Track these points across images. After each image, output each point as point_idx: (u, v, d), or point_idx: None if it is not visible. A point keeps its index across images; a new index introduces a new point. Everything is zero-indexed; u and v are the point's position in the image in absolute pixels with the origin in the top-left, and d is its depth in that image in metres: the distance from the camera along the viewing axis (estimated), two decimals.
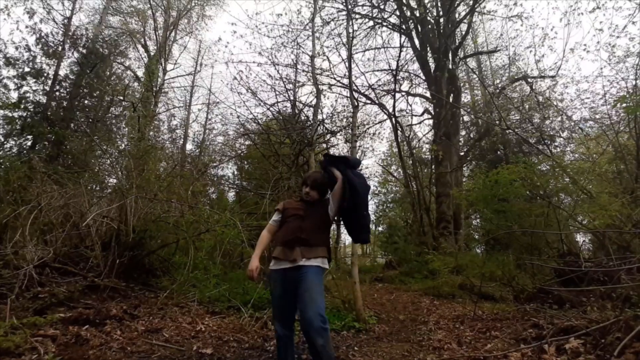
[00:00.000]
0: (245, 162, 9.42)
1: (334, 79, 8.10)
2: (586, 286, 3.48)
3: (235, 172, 10.17)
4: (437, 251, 6.82)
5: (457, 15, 9.25)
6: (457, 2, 8.20)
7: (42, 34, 8.73)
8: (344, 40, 7.94)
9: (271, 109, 7.30)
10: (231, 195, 9.43)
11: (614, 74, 7.58)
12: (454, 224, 8.26)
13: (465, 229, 8.97)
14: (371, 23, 9.65)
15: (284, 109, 7.59)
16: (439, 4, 9.12)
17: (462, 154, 10.49)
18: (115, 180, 5.87)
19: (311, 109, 6.77)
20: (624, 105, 3.86)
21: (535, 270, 4.64)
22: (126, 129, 9.62)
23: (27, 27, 8.56)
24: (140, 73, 12.44)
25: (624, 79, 7.10)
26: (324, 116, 7.29)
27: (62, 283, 3.33)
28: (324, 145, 7.86)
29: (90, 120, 9.04)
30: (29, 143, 8.12)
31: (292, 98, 7.44)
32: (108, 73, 10.12)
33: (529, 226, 5.06)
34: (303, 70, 7.56)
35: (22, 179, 4.55)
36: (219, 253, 4.17)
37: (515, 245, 5.72)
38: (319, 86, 6.55)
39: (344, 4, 7.82)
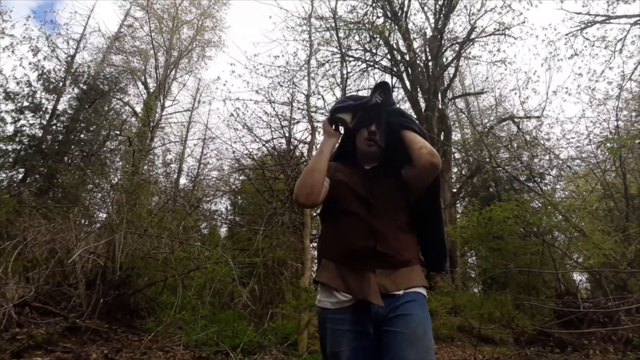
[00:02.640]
0: (239, 197, 9.38)
1: None
2: (586, 328, 3.40)
3: (229, 207, 10.08)
4: (433, 291, 6.67)
5: (444, 60, 9.78)
6: (444, 48, 8.71)
7: (45, 71, 8.97)
8: (338, 80, 8.30)
9: (266, 145, 7.41)
10: (223, 230, 9.28)
11: (596, 115, 7.96)
12: (450, 262, 8.15)
13: (461, 267, 8.84)
14: (364, 65, 10.13)
15: (279, 145, 7.71)
16: (428, 49, 9.67)
17: (454, 190, 10.61)
18: (105, 215, 5.77)
19: (306, 145, 6.89)
20: (608, 145, 4.01)
21: (534, 310, 4.53)
22: (120, 162, 9.62)
23: (30, 63, 8.81)
24: (138, 109, 12.69)
25: (605, 120, 7.44)
26: None
27: (42, 324, 3.15)
28: None
29: (85, 154, 9.05)
30: (20, 176, 8.04)
31: (287, 134, 7.60)
32: (106, 108, 10.30)
33: (525, 264, 5.01)
34: (298, 108, 7.80)
35: (10, 212, 4.45)
36: (209, 292, 4.02)
37: (512, 284, 5.63)
38: (314, 123, 6.72)
39: (338, 48, 8.26)
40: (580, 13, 7.93)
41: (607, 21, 7.80)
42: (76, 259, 3.73)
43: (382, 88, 1.32)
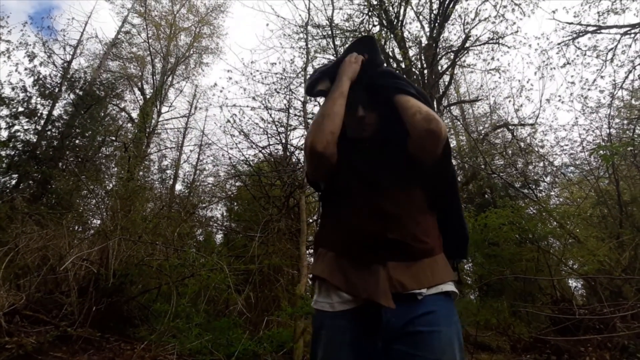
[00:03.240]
0: (235, 204, 9.35)
1: None
2: (582, 335, 3.40)
3: (225, 214, 10.03)
4: None
5: (440, 68, 9.90)
6: (440, 56, 8.82)
7: (41, 76, 8.94)
8: None
9: (263, 151, 7.41)
10: (219, 237, 9.22)
11: (589, 123, 8.07)
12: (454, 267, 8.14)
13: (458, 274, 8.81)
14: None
15: (276, 151, 7.71)
16: (423, 57, 9.79)
17: None
18: (99, 221, 5.71)
19: (302, 152, 6.90)
20: (601, 152, 4.06)
21: (531, 317, 4.53)
22: (115, 169, 9.57)
23: (26, 69, 8.78)
24: (134, 114, 12.67)
25: (598, 128, 7.54)
26: None
27: (32, 333, 3.09)
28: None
29: (80, 159, 8.99)
30: (14, 182, 7.96)
31: (283, 141, 7.61)
32: (102, 114, 10.27)
33: (521, 271, 5.02)
34: (295, 115, 7.82)
35: (2, 219, 4.39)
36: (204, 299, 3.97)
37: (508, 291, 5.63)
38: None
39: (335, 55, 8.33)
40: (572, 23, 8.09)
41: (598, 31, 7.96)
42: (69, 266, 3.68)
43: (365, 43, 1.08)
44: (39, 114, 8.72)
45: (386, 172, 0.97)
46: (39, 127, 8.66)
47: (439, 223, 1.02)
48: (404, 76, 1.11)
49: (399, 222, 0.90)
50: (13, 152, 8.10)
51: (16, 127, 8.34)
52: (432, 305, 0.84)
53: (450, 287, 0.91)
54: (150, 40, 13.14)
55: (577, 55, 8.17)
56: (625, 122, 7.81)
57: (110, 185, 8.15)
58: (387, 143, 1.03)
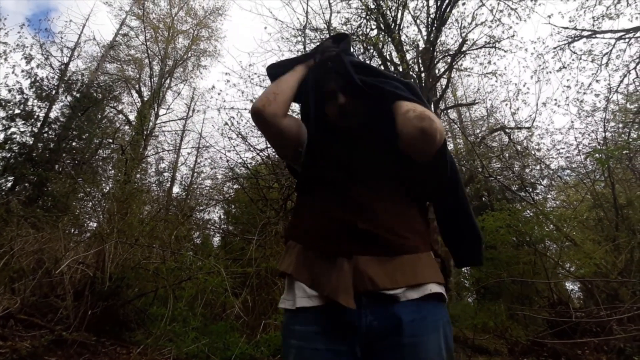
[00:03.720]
0: (233, 206, 9.33)
1: None
2: (579, 338, 3.40)
3: (222, 216, 10.01)
4: None
5: (437, 71, 9.95)
6: (437, 60, 8.87)
7: (38, 78, 8.92)
8: None
9: (261, 153, 7.41)
10: (216, 240, 9.19)
11: (585, 126, 8.12)
12: (444, 272, 8.15)
13: (455, 277, 8.85)
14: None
15: (273, 154, 7.71)
16: (420, 61, 9.85)
17: None
18: (95, 224, 5.68)
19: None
20: (597, 156, 4.10)
21: (528, 321, 4.54)
22: (112, 171, 9.54)
23: (23, 71, 8.76)
24: (132, 117, 12.65)
25: (593, 131, 7.60)
26: None
27: (26, 337, 3.06)
28: None
29: (76, 162, 8.95)
30: (9, 184, 7.90)
31: None
32: (100, 116, 10.25)
33: (518, 274, 5.03)
34: None
35: None
36: (200, 303, 3.95)
37: (505, 294, 5.64)
38: None
39: None
40: (567, 28, 8.17)
41: (593, 36, 8.04)
42: (64, 270, 3.65)
43: (337, 39, 1.04)
44: (35, 116, 8.69)
45: (367, 163, 0.90)
46: (35, 130, 8.62)
47: (449, 227, 0.97)
48: (390, 73, 1.05)
49: (373, 212, 0.82)
50: (9, 155, 8.05)
51: (12, 129, 8.31)
52: (417, 312, 0.76)
53: (437, 288, 0.81)
54: (148, 43, 13.14)
55: (573, 60, 8.24)
56: (621, 125, 7.87)
57: (107, 187, 8.11)
58: (374, 134, 0.96)
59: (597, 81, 8.02)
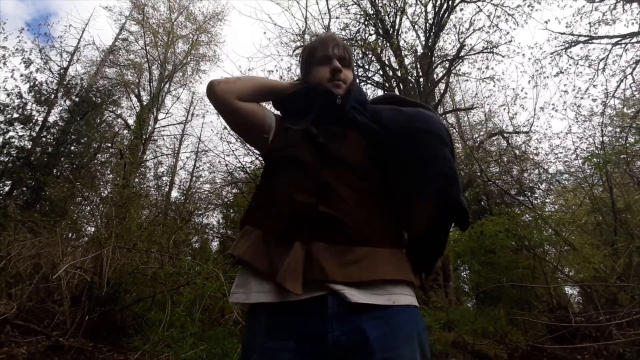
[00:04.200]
0: (232, 210, 9.31)
1: None
2: (579, 343, 3.39)
3: (221, 220, 9.99)
4: (427, 306, 6.63)
5: (435, 76, 10.02)
6: (435, 65, 8.93)
7: (36, 83, 8.93)
8: None
9: (260, 157, 7.42)
10: (215, 244, 9.16)
11: (582, 131, 8.19)
12: (444, 276, 8.15)
13: (454, 282, 8.83)
14: (357, 81, 10.30)
15: None
16: (419, 66, 9.91)
17: None
18: (93, 229, 5.66)
19: None
20: (594, 160, 4.12)
21: (527, 325, 4.52)
22: (111, 175, 9.52)
23: (22, 75, 8.77)
24: (131, 121, 12.66)
25: (591, 136, 7.64)
26: None
27: (23, 343, 3.03)
28: None
29: (75, 166, 8.94)
30: (7, 188, 7.88)
31: None
32: (98, 121, 10.25)
33: (517, 278, 5.03)
34: None
35: None
36: (199, 308, 3.93)
37: (505, 299, 5.63)
38: None
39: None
40: (564, 33, 8.25)
41: (590, 41, 8.12)
42: (62, 275, 3.63)
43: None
44: (34, 121, 8.69)
45: (347, 144, 0.85)
46: (33, 134, 8.62)
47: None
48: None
49: (340, 197, 0.75)
50: (7, 159, 8.04)
51: (10, 134, 8.30)
52: (387, 324, 0.70)
53: (401, 290, 0.75)
54: (147, 48, 13.20)
55: (570, 65, 8.32)
56: (618, 130, 7.93)
57: (105, 192, 8.09)
58: (357, 114, 0.92)
59: (594, 86, 8.08)
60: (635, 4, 7.64)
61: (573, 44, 8.29)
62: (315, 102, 0.93)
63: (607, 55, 7.93)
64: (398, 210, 0.85)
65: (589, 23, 7.94)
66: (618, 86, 7.75)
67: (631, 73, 7.68)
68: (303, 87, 1.00)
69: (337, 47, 0.99)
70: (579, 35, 8.16)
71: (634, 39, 7.69)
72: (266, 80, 0.99)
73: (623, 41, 7.80)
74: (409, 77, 9.80)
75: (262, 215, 0.81)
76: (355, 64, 9.73)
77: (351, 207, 0.75)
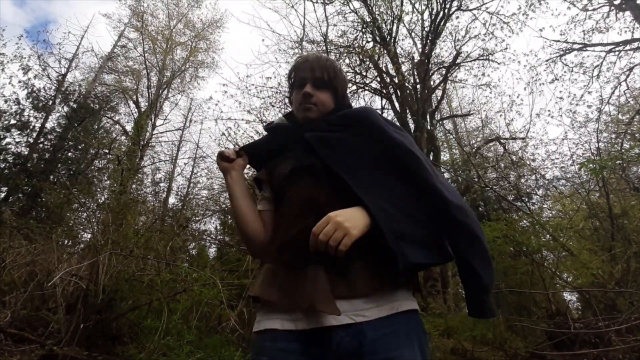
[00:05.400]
0: (229, 217, 9.27)
1: None
2: (578, 349, 3.38)
3: (218, 227, 9.94)
4: (426, 312, 6.59)
5: (432, 83, 10.10)
6: (432, 72, 9.01)
7: (35, 89, 8.93)
8: None
9: None
10: (212, 251, 9.11)
11: (578, 137, 8.25)
12: (442, 282, 8.11)
13: (453, 288, 8.80)
14: (354, 87, 10.37)
15: None
16: (416, 73, 9.99)
17: None
18: (89, 235, 5.62)
19: None
20: (590, 166, 4.15)
21: (526, 332, 4.50)
22: (108, 182, 9.48)
23: (20, 81, 8.78)
24: (129, 127, 12.65)
25: (587, 142, 7.70)
26: None
27: (16, 352, 2.98)
28: None
29: (72, 172, 8.90)
30: (3, 195, 7.82)
31: None
32: (96, 127, 10.24)
33: (516, 284, 5.02)
34: None
35: None
36: (195, 316, 3.89)
37: (504, 305, 5.61)
38: None
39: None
40: (558, 41, 8.37)
41: (584, 49, 8.24)
42: (57, 282, 3.59)
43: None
44: (31, 127, 8.67)
45: (334, 159, 0.87)
46: (31, 140, 8.59)
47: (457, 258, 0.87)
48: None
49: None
50: (3, 165, 8.00)
51: (7, 140, 8.27)
52: (388, 326, 0.73)
53: (403, 296, 0.79)
54: (146, 55, 13.25)
55: (565, 72, 8.42)
56: (613, 136, 7.99)
57: (102, 198, 8.04)
58: (342, 126, 0.96)
59: (589, 93, 8.18)
60: (627, 13, 7.77)
61: (568, 51, 8.40)
62: (278, 139, 1.03)
63: (601, 63, 8.04)
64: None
65: (583, 31, 8.07)
66: (612, 93, 7.85)
67: (625, 80, 7.78)
68: (269, 128, 1.08)
69: (312, 69, 1.00)
70: (574, 43, 8.28)
71: (627, 47, 7.80)
72: (235, 202, 0.98)
73: (616, 49, 7.92)
74: (406, 84, 9.87)
75: (272, 249, 0.85)
76: (352, 74, 9.81)
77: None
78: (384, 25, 7.99)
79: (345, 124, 0.95)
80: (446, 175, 12.67)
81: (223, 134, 7.25)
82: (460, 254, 0.80)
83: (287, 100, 8.22)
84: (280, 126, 1.05)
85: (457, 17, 7.68)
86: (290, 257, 0.79)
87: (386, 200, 0.79)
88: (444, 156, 12.44)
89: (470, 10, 7.62)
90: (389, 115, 10.44)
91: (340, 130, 0.94)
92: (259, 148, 1.07)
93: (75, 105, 9.53)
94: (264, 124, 1.17)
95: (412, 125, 10.00)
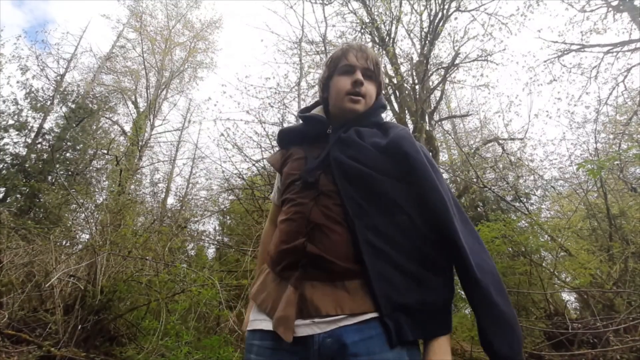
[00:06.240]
0: (228, 217, 9.27)
1: None
2: (577, 349, 3.38)
3: (217, 228, 9.93)
4: None
5: (431, 83, 10.11)
6: (430, 72, 9.02)
7: (33, 89, 8.91)
8: None
9: (256, 164, 7.40)
10: (211, 251, 9.09)
11: (576, 137, 8.28)
12: None
13: None
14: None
15: (269, 165, 7.72)
16: (414, 73, 10.01)
17: None
18: (87, 236, 5.60)
19: None
20: (588, 167, 4.16)
21: (525, 332, 4.50)
22: (106, 182, 9.46)
23: (18, 82, 8.75)
24: (127, 128, 12.62)
25: (585, 143, 7.72)
26: None
27: (14, 353, 2.97)
28: None
29: (70, 173, 8.87)
30: (1, 195, 7.79)
31: None
32: (94, 127, 10.21)
33: (514, 285, 5.02)
34: None
35: None
36: (194, 316, 3.88)
37: None
38: None
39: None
40: (556, 42, 8.39)
41: (582, 50, 8.26)
42: (55, 283, 3.58)
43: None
44: (29, 127, 8.64)
45: (341, 173, 0.85)
46: (29, 140, 8.56)
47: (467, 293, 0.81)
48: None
49: (326, 234, 0.78)
50: (1, 165, 7.97)
51: (5, 140, 8.24)
52: (372, 329, 0.73)
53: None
54: (145, 55, 13.22)
55: (563, 73, 8.44)
56: (611, 137, 8.01)
57: (101, 199, 8.03)
58: (360, 136, 0.91)
59: (587, 93, 8.21)
60: (625, 14, 7.80)
61: (566, 52, 8.42)
62: (308, 130, 0.99)
63: (599, 64, 8.06)
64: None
65: (581, 32, 8.09)
66: (610, 94, 7.87)
67: (623, 81, 7.80)
68: (303, 117, 1.02)
69: (363, 57, 0.95)
70: (572, 44, 8.30)
71: (625, 48, 7.83)
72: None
73: (614, 50, 7.94)
74: (405, 85, 9.88)
75: (269, 258, 0.90)
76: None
77: (337, 244, 0.77)
78: (382, 26, 8.01)
79: (382, 144, 0.87)
80: (445, 175, 12.69)
81: (222, 134, 7.24)
82: (476, 314, 0.76)
83: (285, 101, 8.20)
84: (314, 118, 0.99)
85: (456, 18, 7.70)
86: (280, 269, 0.82)
87: (396, 254, 0.75)
88: (443, 157, 12.46)
89: (469, 11, 7.64)
90: (388, 115, 10.46)
91: (372, 148, 0.86)
92: (288, 133, 1.06)
93: (73, 106, 9.50)
94: (298, 112, 1.11)
95: (410, 126, 10.01)
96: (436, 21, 7.47)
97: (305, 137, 1.00)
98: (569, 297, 6.23)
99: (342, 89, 0.94)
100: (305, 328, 0.73)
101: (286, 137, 1.06)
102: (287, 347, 0.74)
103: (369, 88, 0.96)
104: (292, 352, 0.75)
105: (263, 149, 7.42)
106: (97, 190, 9.26)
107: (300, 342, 0.73)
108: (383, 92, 1.07)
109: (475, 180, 9.03)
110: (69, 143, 9.18)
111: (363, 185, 0.81)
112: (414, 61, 9.39)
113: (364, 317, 0.74)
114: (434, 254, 0.77)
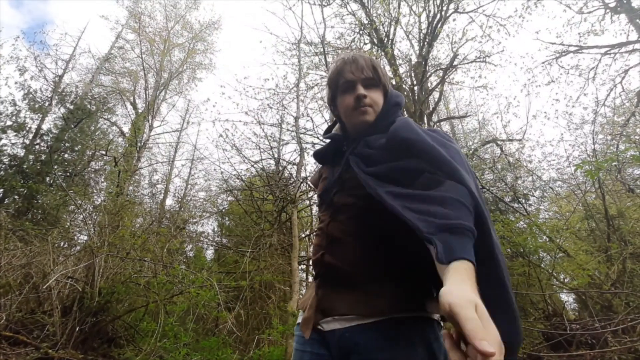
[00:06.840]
0: (227, 218, 9.26)
1: (317, 138, 8.44)
2: (575, 350, 3.39)
3: (216, 229, 9.91)
4: None
5: (429, 85, 10.14)
6: (429, 74, 9.04)
7: (31, 90, 8.88)
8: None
9: (255, 165, 7.40)
10: (209, 253, 9.08)
11: (574, 138, 8.30)
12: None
13: None
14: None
15: (268, 165, 7.72)
16: (413, 75, 10.03)
17: None
18: (86, 237, 5.59)
19: (294, 166, 6.92)
20: (586, 168, 4.17)
21: (523, 333, 4.51)
22: (105, 183, 9.43)
23: (16, 83, 8.73)
24: (126, 129, 12.60)
25: (583, 144, 7.75)
26: (307, 174, 7.45)
27: (11, 355, 2.96)
28: (307, 202, 7.89)
29: (68, 174, 8.85)
30: None
31: (276, 155, 7.63)
32: (93, 128, 10.19)
33: (512, 286, 5.03)
34: (287, 130, 7.88)
35: None
36: (192, 318, 3.87)
37: None
38: (302, 145, 6.79)
39: (327, 71, 8.46)
40: (554, 43, 8.41)
41: (580, 51, 8.29)
42: (52, 284, 3.57)
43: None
44: (27, 128, 8.62)
45: (350, 184, 0.95)
46: (27, 141, 8.54)
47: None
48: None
49: (341, 245, 0.89)
50: None
51: (3, 141, 8.21)
52: (392, 328, 0.76)
53: (404, 317, 0.78)
54: (143, 56, 13.21)
55: (561, 74, 8.47)
56: (609, 138, 8.04)
57: (99, 200, 8.00)
58: (370, 146, 0.94)
59: (585, 95, 8.22)
60: (622, 15, 7.83)
61: (563, 53, 8.45)
62: (329, 149, 1.08)
63: (597, 65, 8.09)
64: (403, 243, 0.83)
65: (579, 33, 8.12)
66: (608, 95, 7.90)
67: (620, 82, 7.84)
68: (328, 137, 1.10)
69: (359, 69, 0.96)
70: (569, 45, 8.33)
71: (622, 49, 7.86)
72: None
73: (612, 51, 7.97)
74: (404, 86, 9.90)
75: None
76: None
77: (350, 253, 0.86)
78: (381, 28, 8.03)
79: (390, 147, 0.88)
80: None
81: (220, 135, 7.24)
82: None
83: (284, 102, 8.19)
84: (332, 137, 1.08)
85: (454, 20, 7.72)
86: (314, 277, 0.97)
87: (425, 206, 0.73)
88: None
89: (467, 12, 7.67)
90: None
91: (381, 152, 0.89)
92: (319, 155, 1.15)
93: (72, 107, 9.47)
94: (322, 134, 1.22)
95: None
96: (434, 22, 7.49)
97: (330, 156, 1.09)
98: (567, 298, 6.24)
99: (348, 106, 0.98)
100: (329, 324, 0.84)
101: (319, 159, 1.15)
102: (317, 338, 0.87)
103: (373, 96, 0.97)
104: (320, 342, 0.86)
105: (262, 150, 7.43)
106: (95, 191, 9.24)
107: (326, 335, 0.85)
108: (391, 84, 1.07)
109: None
110: (67, 144, 9.15)
111: (370, 196, 0.84)
112: (413, 62, 9.41)
113: (373, 319, 0.79)
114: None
